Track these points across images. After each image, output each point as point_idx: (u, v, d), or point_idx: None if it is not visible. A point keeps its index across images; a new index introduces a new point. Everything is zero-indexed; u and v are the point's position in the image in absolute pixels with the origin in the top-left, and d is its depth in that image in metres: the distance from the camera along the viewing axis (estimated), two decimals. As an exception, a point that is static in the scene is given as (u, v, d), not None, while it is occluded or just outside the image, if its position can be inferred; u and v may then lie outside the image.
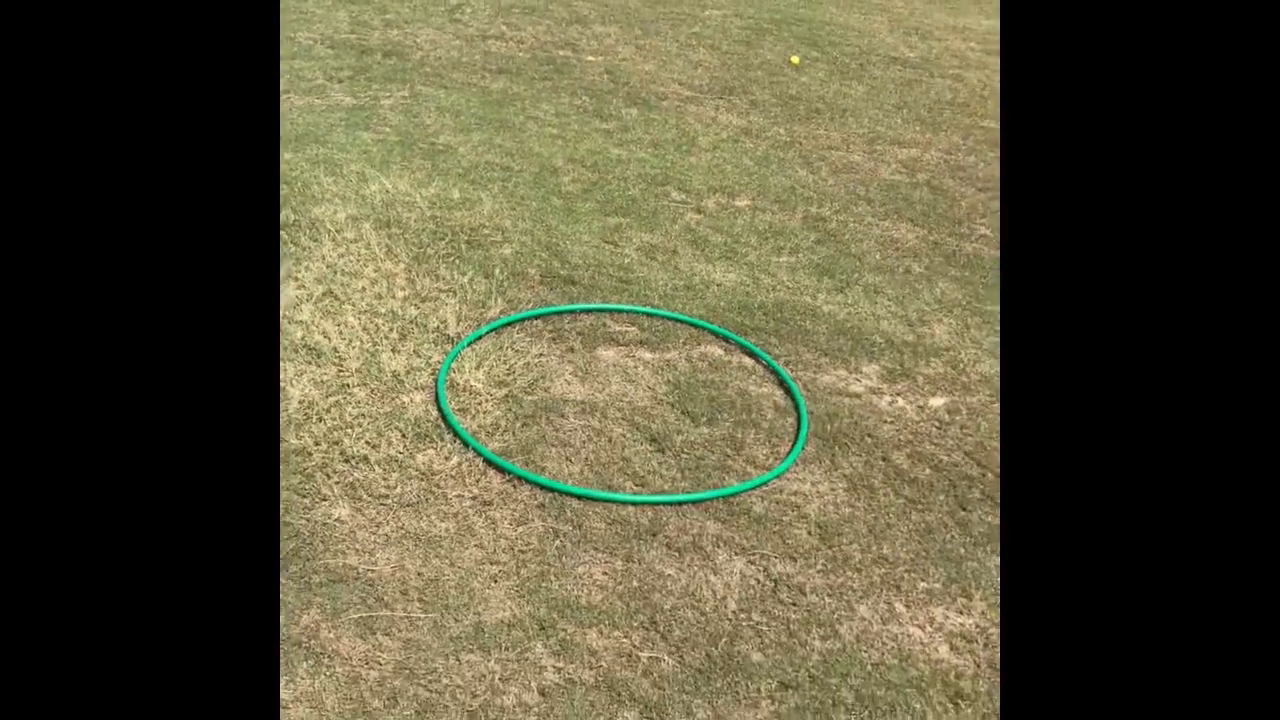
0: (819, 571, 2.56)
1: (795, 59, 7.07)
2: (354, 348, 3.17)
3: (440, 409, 2.94)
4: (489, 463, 2.76)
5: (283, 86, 5.21)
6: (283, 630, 2.22)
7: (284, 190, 4.10)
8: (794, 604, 2.45)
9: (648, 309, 3.59)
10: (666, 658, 2.27)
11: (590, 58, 6.50)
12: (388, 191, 4.20)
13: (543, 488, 2.70)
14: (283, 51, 5.70)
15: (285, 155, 4.42)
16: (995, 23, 9.12)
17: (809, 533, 2.67)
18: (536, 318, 3.48)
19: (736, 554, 2.58)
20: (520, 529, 2.58)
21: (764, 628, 2.38)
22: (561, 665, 2.23)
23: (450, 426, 2.87)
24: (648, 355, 3.38)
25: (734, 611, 2.41)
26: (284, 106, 4.97)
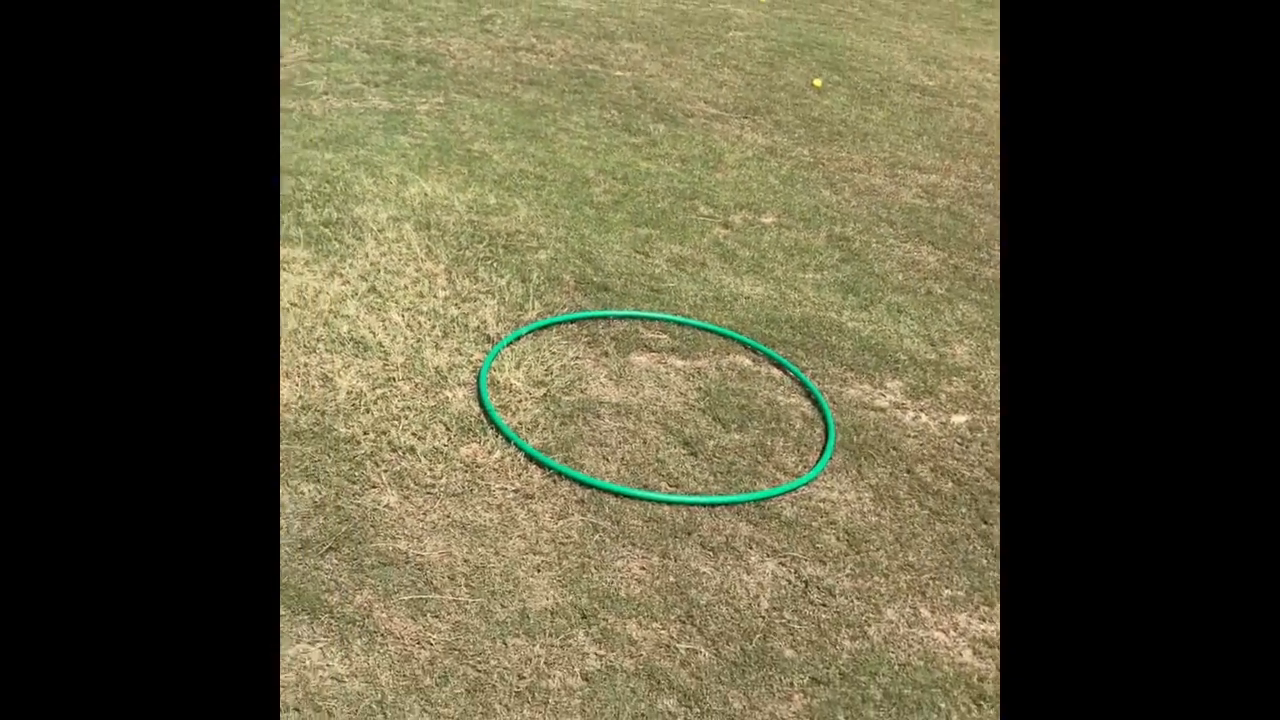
0: (848, 575, 2.65)
1: (818, 82, 7.20)
2: (398, 343, 3.27)
3: (483, 405, 3.04)
4: (530, 458, 2.86)
5: (321, 89, 5.32)
6: (336, 608, 2.31)
7: (327, 189, 4.20)
8: (824, 605, 2.55)
9: (679, 318, 3.69)
10: (703, 650, 2.37)
11: (618, 73, 6.63)
12: (426, 195, 4.31)
13: (582, 484, 2.80)
14: (319, 55, 5.82)
15: (326, 155, 4.53)
16: (1012, 55, 9.26)
17: (837, 538, 2.77)
18: (572, 322, 3.58)
19: (768, 555, 2.68)
20: (561, 522, 2.67)
21: (795, 626, 2.47)
22: (603, 653, 2.32)
23: (493, 422, 2.96)
24: (679, 362, 3.48)
25: (767, 609, 2.51)
26: (323, 108, 5.08)
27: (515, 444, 2.88)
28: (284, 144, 4.58)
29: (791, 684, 2.31)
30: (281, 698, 2.09)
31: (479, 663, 2.24)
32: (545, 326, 3.52)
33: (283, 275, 3.53)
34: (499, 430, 2.94)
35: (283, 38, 5.99)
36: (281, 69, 5.52)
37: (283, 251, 3.69)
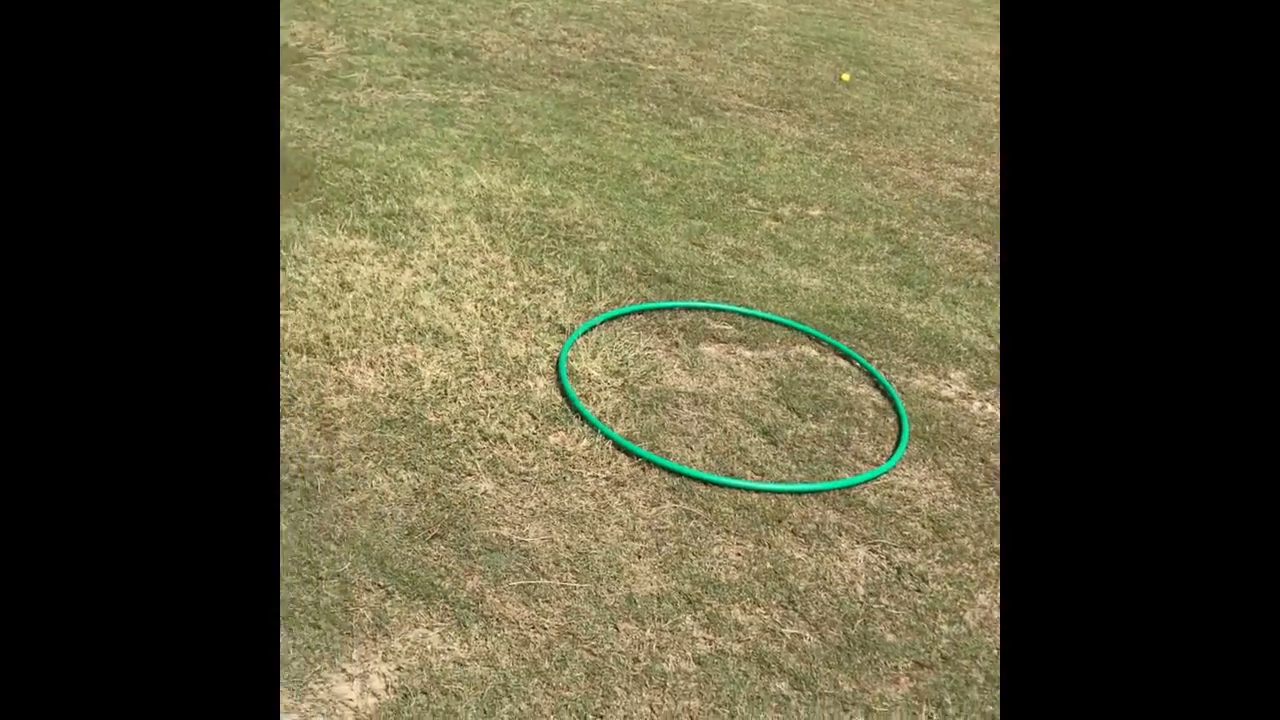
0: (937, 561, 2.69)
1: (846, 76, 7.24)
2: (475, 333, 3.30)
3: (566, 395, 3.07)
4: (618, 447, 2.89)
5: (364, 81, 5.34)
6: (450, 594, 2.34)
7: (385, 181, 4.22)
8: (918, 590, 2.59)
9: (745, 309, 3.72)
10: (807, 635, 2.41)
11: (650, 66, 6.65)
12: (483, 187, 4.33)
13: (672, 472, 2.83)
14: (358, 47, 5.83)
15: (380, 147, 4.54)
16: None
17: (923, 525, 2.81)
18: (640, 312, 3.61)
19: (858, 542, 2.72)
20: (654, 510, 2.71)
21: (893, 611, 2.51)
22: (711, 637, 2.36)
23: (578, 411, 2.99)
24: (747, 353, 3.51)
25: (863, 595, 2.55)
26: (369, 100, 5.10)
27: (604, 434, 2.91)
28: (337, 136, 4.60)
29: (896, 667, 2.35)
30: (408, 681, 2.12)
31: (593, 647, 2.28)
32: (616, 317, 3.54)
33: (353, 266, 3.55)
34: (584, 419, 2.97)
35: (319, 29, 6.00)
36: (323, 61, 5.53)
37: (350, 242, 3.71)
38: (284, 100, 4.88)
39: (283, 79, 5.14)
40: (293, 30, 5.89)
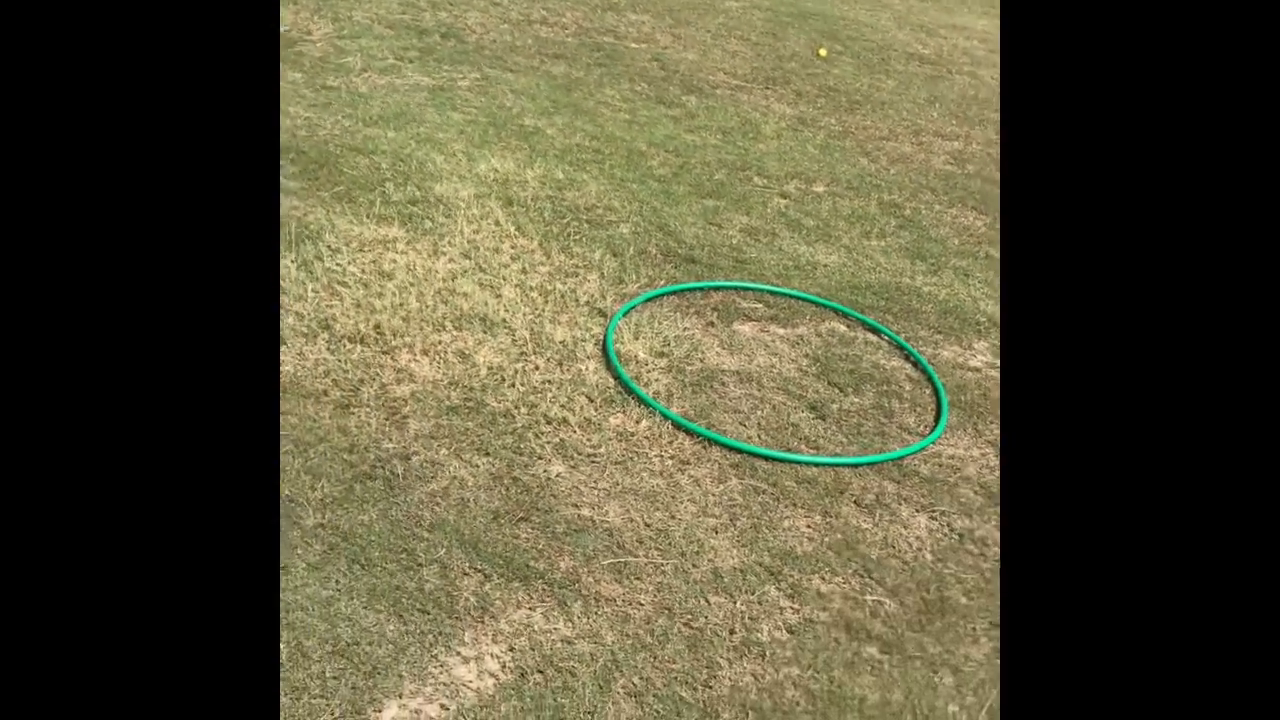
0: (994, 526, 2.80)
1: (823, 51, 7.32)
2: (518, 318, 3.33)
3: (619, 377, 3.11)
4: (677, 426, 2.95)
5: (360, 65, 5.29)
6: (546, 574, 2.39)
7: (403, 168, 4.21)
8: (982, 555, 2.70)
9: (775, 288, 3.80)
10: (887, 601, 2.50)
11: (632, 44, 6.67)
12: (498, 171, 4.34)
13: (734, 449, 2.90)
14: (345, 31, 5.77)
15: (389, 134, 4.52)
16: (988, 22, 9.49)
17: (975, 492, 2.92)
18: (674, 294, 3.67)
19: (918, 510, 2.81)
20: (721, 486, 2.78)
21: (962, 575, 2.62)
22: (797, 607, 2.44)
23: (633, 393, 3.05)
24: (780, 330, 3.59)
25: (932, 561, 2.65)
26: (368, 85, 5.06)
27: (663, 415, 2.97)
28: (345, 123, 4.57)
29: (975, 629, 2.46)
30: (521, 660, 2.17)
31: (690, 620, 2.34)
32: (651, 299, 3.60)
33: (388, 254, 3.55)
34: (641, 401, 3.02)
35: (303, 14, 5.92)
36: (313, 46, 5.46)
37: (380, 230, 3.70)
38: (284, 87, 4.83)
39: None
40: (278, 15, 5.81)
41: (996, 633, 2.45)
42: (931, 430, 3.15)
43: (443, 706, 2.06)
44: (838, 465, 2.91)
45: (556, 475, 2.72)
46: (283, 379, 2.88)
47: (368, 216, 3.80)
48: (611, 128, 5.13)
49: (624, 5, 7.56)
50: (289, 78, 4.98)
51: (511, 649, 2.20)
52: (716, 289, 3.76)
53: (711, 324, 3.54)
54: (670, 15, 7.56)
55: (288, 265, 3.41)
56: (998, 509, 2.87)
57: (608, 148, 4.86)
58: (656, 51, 6.61)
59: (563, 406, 2.96)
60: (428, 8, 6.50)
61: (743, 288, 3.78)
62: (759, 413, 3.11)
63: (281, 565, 2.28)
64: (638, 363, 3.23)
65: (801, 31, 7.81)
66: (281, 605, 2.17)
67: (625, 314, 3.47)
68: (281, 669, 2.04)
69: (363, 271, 3.44)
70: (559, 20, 6.85)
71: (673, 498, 2.71)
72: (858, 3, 9.26)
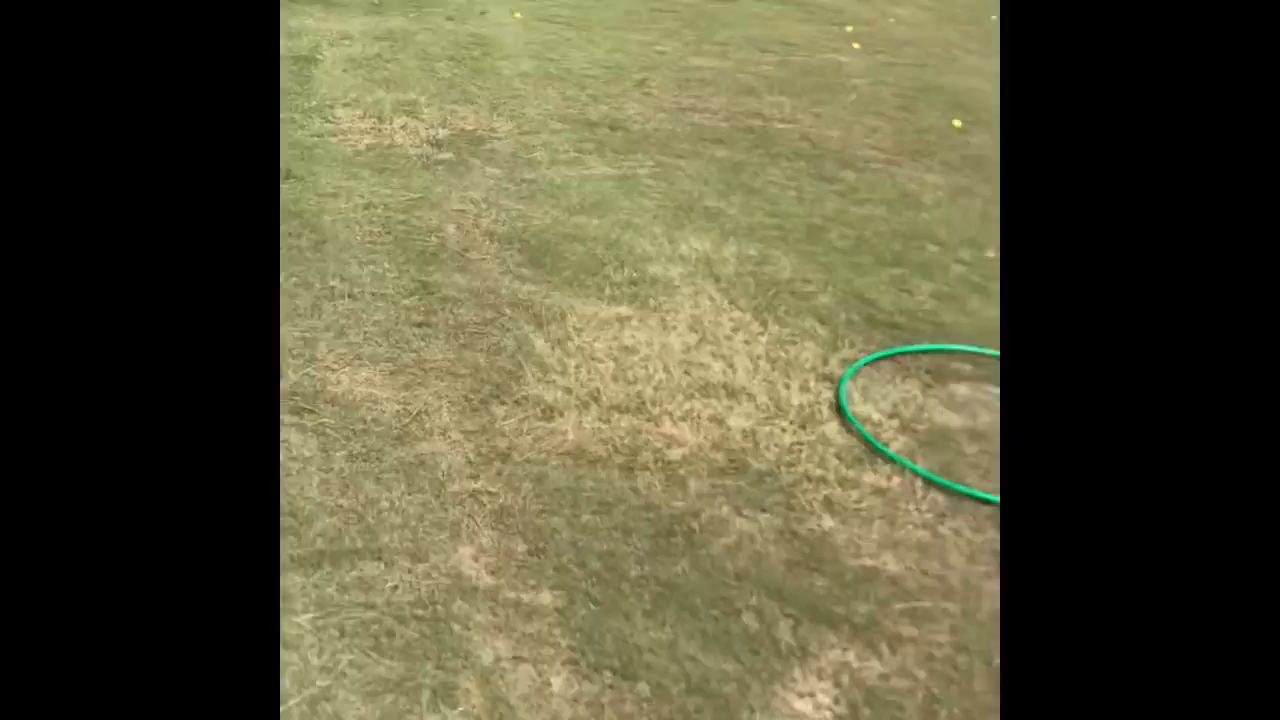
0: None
1: (957, 123, 7.58)
2: (755, 385, 3.60)
3: (863, 437, 3.35)
4: (928, 483, 3.17)
5: (547, 159, 5.71)
6: (850, 618, 2.61)
7: (616, 253, 4.56)
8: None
9: (983, 350, 4.01)
10: (1164, 638, 2.66)
11: (779, 125, 7.01)
12: (697, 251, 4.66)
13: (987, 503, 3.10)
14: (526, 127, 6.22)
15: (594, 221, 4.89)
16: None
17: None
18: (888, 358, 3.91)
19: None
20: (983, 537, 2.98)
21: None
22: (1081, 645, 2.61)
23: (880, 452, 3.28)
24: (994, 390, 3.79)
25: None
26: (560, 177, 5.46)
27: (914, 472, 3.19)
28: (553, 213, 4.95)
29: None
30: (849, 695, 2.38)
31: (988, 658, 2.54)
32: (870, 362, 3.84)
33: (626, 331, 3.87)
34: (889, 459, 3.25)
35: (483, 112, 6.40)
36: (501, 143, 5.91)
37: (613, 309, 4.03)
38: (489, 183, 5.26)
39: (475, 162, 5.53)
40: (461, 115, 6.29)
41: None
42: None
43: (791, 735, 2.28)
44: (1085, 514, 3.09)
45: (830, 529, 2.95)
46: (568, 446, 3.19)
47: (598, 298, 4.14)
48: (784, 205, 5.44)
49: (760, 89, 7.94)
50: (489, 173, 5.41)
51: (837, 684, 2.42)
52: (926, 352, 3.99)
53: (929, 385, 3.77)
54: (806, 96, 7.91)
55: (544, 344, 3.75)
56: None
57: (787, 224, 5.16)
58: (803, 130, 6.94)
59: (818, 465, 3.20)
60: (589, 101, 6.94)
61: (951, 350, 4.01)
62: (997, 469, 3.30)
63: (622, 613, 2.55)
64: (872, 424, 3.47)
65: (932, 105, 8.09)
66: (633, 648, 2.43)
67: (850, 377, 3.71)
68: (650, 703, 2.29)
69: (609, 348, 3.75)
70: (707, 106, 7.25)
71: (939, 548, 2.92)
72: (977, 74, 9.53)
